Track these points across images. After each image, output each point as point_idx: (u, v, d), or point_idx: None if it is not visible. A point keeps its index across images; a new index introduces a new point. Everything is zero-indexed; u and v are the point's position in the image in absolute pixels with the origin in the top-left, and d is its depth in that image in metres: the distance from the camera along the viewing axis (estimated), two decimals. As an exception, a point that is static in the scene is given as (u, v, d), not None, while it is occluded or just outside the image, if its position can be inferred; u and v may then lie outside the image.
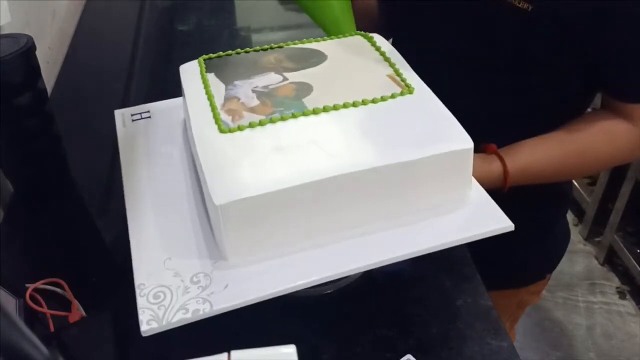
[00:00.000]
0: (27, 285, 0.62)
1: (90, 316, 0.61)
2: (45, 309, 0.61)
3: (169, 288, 0.49)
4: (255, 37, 1.30)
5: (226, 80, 0.61)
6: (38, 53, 0.73)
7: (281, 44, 0.67)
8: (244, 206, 0.48)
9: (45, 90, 0.76)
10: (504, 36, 0.70)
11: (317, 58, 0.64)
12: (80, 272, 0.68)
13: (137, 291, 0.49)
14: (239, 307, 0.48)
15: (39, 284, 0.63)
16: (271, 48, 0.66)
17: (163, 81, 1.05)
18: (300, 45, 0.67)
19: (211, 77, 0.61)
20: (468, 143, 0.54)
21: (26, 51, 0.70)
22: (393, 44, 0.73)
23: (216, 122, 0.55)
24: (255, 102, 0.57)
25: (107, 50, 1.21)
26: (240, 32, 1.31)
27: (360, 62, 0.64)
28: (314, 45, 0.67)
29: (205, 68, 0.63)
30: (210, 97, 0.58)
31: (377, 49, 0.66)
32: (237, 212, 0.49)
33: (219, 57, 0.65)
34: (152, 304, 0.48)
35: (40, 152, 0.77)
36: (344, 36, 0.69)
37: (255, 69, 0.63)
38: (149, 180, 0.61)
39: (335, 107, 0.56)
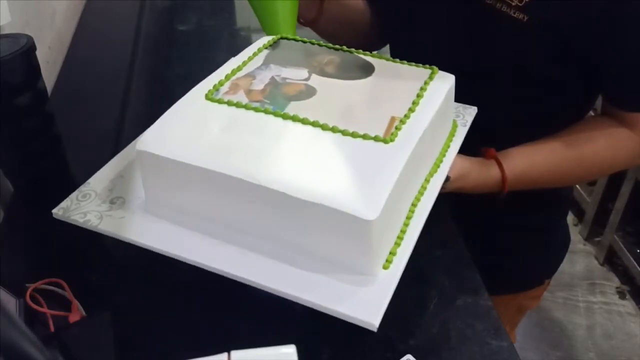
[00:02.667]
0: (27, 285, 0.62)
1: (90, 316, 0.61)
2: (45, 309, 0.61)
3: (96, 192, 0.60)
4: (255, 37, 1.30)
5: (268, 60, 0.64)
6: (38, 53, 0.73)
7: (353, 50, 0.67)
8: (154, 161, 0.53)
9: (45, 90, 0.76)
10: (500, 47, 0.70)
11: (360, 74, 0.63)
12: (80, 272, 0.68)
13: (81, 186, 0.60)
14: (116, 238, 0.55)
15: (39, 284, 0.63)
16: (342, 50, 0.66)
17: (163, 81, 1.05)
18: (365, 57, 0.66)
19: (264, 53, 0.65)
20: (369, 215, 0.46)
21: (26, 51, 0.70)
22: (390, 54, 0.73)
23: (212, 88, 0.59)
24: (259, 87, 0.59)
25: (107, 50, 1.21)
26: (240, 32, 1.31)
27: (391, 94, 0.59)
28: (378, 61, 0.65)
29: (271, 45, 0.67)
30: (237, 69, 0.62)
31: (422, 87, 0.60)
32: (150, 162, 0.54)
33: (295, 40, 0.68)
34: (75, 200, 0.59)
35: (40, 152, 0.77)
36: (423, 66, 0.65)
37: (299, 61, 0.63)
38: None
39: (305, 121, 0.54)
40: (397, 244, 0.53)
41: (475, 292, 0.65)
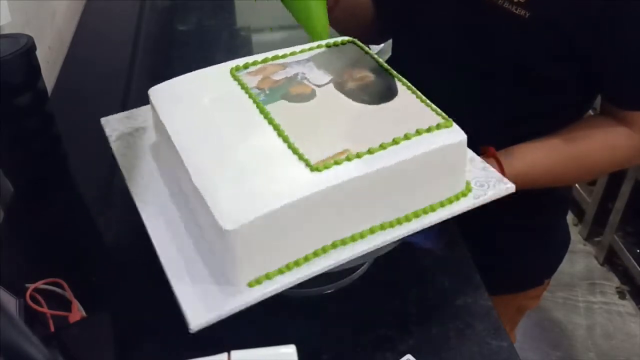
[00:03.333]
0: (27, 285, 0.62)
1: (90, 316, 0.61)
2: (45, 309, 0.61)
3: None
4: (255, 37, 1.30)
5: (314, 58, 0.64)
6: (38, 53, 0.73)
7: (396, 75, 0.61)
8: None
9: (45, 90, 0.76)
10: (501, 43, 0.70)
11: (372, 99, 0.58)
12: (80, 272, 0.68)
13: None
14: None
15: (39, 284, 0.63)
16: (385, 71, 0.62)
17: (163, 81, 1.04)
18: (399, 85, 0.60)
19: (319, 50, 0.65)
20: (228, 224, 0.46)
21: (26, 51, 0.70)
22: (392, 51, 0.72)
23: (242, 65, 0.62)
24: (278, 77, 0.61)
25: (107, 50, 1.21)
26: (240, 32, 1.31)
27: (381, 128, 0.55)
28: (405, 93, 0.59)
29: (336, 45, 0.66)
30: (281, 56, 0.64)
31: (418, 130, 0.55)
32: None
33: (361, 48, 0.66)
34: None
35: (40, 152, 0.77)
36: (443, 116, 0.56)
37: (335, 68, 0.62)
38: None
39: (270, 121, 0.54)
40: (280, 271, 0.50)
41: (475, 292, 0.65)
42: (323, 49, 0.66)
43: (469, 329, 0.61)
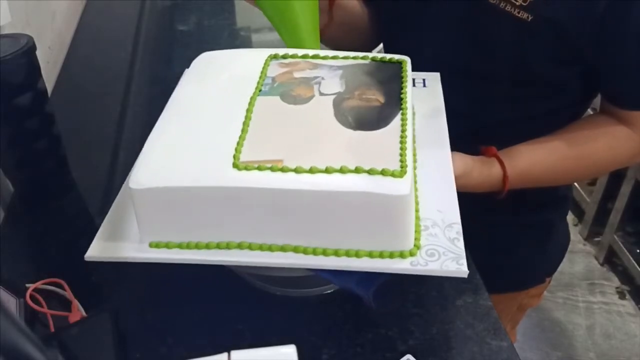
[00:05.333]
0: (27, 285, 0.62)
1: (90, 316, 0.61)
2: (45, 309, 0.61)
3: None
4: (255, 37, 1.30)
5: (350, 67, 0.63)
6: (38, 53, 0.73)
7: (405, 110, 0.57)
8: None
9: (45, 90, 0.76)
10: (503, 46, 0.70)
11: (357, 124, 0.55)
12: (80, 272, 0.68)
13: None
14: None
15: (39, 284, 0.63)
16: (397, 102, 0.58)
17: (163, 81, 1.05)
18: (400, 123, 0.56)
19: (361, 62, 0.64)
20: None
21: (26, 51, 0.70)
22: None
23: (280, 55, 0.65)
24: (299, 75, 0.61)
25: (107, 50, 1.21)
26: (240, 32, 1.31)
27: (329, 152, 0.53)
28: (394, 126, 0.56)
29: (380, 61, 0.65)
30: (322, 57, 0.65)
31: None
32: None
33: (403, 70, 0.63)
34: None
35: (40, 152, 0.77)
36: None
37: (356, 83, 0.60)
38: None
39: (248, 111, 0.56)
40: (180, 246, 0.53)
41: (475, 292, 0.65)
42: (367, 62, 0.64)
43: (469, 329, 0.61)
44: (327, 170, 0.49)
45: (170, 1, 1.45)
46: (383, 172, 0.49)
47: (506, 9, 0.67)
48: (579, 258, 1.92)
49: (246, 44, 1.25)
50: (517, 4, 0.66)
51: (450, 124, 0.66)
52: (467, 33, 0.72)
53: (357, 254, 0.51)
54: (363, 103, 0.57)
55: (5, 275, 0.62)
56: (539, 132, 0.73)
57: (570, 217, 1.96)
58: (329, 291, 0.64)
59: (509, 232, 0.86)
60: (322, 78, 0.61)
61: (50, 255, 0.72)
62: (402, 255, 0.51)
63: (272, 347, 0.46)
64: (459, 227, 0.55)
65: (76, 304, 0.62)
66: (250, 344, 0.46)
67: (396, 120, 0.55)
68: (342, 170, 0.49)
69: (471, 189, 0.69)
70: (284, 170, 0.49)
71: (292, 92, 0.59)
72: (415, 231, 0.53)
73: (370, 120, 0.55)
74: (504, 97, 0.74)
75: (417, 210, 0.55)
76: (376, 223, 0.50)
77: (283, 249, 0.51)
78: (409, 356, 0.57)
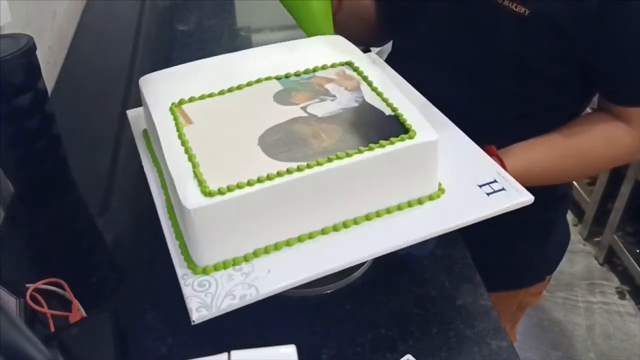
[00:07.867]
0: (27, 285, 0.62)
1: (90, 316, 0.61)
2: (45, 309, 0.61)
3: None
4: (255, 37, 1.30)
5: (375, 92, 0.61)
6: (38, 53, 0.73)
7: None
8: None
9: (45, 90, 0.76)
10: (501, 41, 0.70)
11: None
12: (80, 272, 0.68)
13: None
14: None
15: (40, 284, 0.63)
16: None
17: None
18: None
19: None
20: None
21: (26, 51, 0.70)
22: (392, 49, 0.72)
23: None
24: (303, 96, 0.61)
25: (107, 50, 1.21)
26: (240, 32, 1.31)
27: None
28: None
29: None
30: (364, 77, 0.63)
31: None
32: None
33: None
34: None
35: (40, 152, 0.77)
36: None
37: (347, 121, 0.58)
38: None
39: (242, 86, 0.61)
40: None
41: (475, 292, 0.65)
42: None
43: (469, 329, 0.61)
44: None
45: (170, 1, 1.45)
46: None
47: (504, 3, 0.67)
48: (579, 258, 1.92)
49: (246, 44, 1.25)
50: None
51: (451, 118, 0.66)
52: (467, 29, 0.73)
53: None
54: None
55: (5, 275, 0.62)
56: (539, 130, 0.73)
57: (570, 217, 1.97)
58: (329, 291, 0.64)
59: (509, 230, 0.86)
60: (334, 97, 0.60)
61: (50, 255, 0.72)
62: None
63: (272, 347, 0.46)
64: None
65: (76, 304, 0.62)
66: (250, 344, 0.46)
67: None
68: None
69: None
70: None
71: (291, 92, 0.60)
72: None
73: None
74: (504, 94, 0.74)
75: None
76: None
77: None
78: (408, 356, 0.57)
